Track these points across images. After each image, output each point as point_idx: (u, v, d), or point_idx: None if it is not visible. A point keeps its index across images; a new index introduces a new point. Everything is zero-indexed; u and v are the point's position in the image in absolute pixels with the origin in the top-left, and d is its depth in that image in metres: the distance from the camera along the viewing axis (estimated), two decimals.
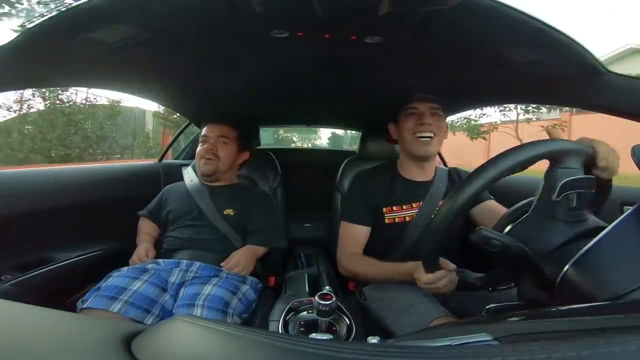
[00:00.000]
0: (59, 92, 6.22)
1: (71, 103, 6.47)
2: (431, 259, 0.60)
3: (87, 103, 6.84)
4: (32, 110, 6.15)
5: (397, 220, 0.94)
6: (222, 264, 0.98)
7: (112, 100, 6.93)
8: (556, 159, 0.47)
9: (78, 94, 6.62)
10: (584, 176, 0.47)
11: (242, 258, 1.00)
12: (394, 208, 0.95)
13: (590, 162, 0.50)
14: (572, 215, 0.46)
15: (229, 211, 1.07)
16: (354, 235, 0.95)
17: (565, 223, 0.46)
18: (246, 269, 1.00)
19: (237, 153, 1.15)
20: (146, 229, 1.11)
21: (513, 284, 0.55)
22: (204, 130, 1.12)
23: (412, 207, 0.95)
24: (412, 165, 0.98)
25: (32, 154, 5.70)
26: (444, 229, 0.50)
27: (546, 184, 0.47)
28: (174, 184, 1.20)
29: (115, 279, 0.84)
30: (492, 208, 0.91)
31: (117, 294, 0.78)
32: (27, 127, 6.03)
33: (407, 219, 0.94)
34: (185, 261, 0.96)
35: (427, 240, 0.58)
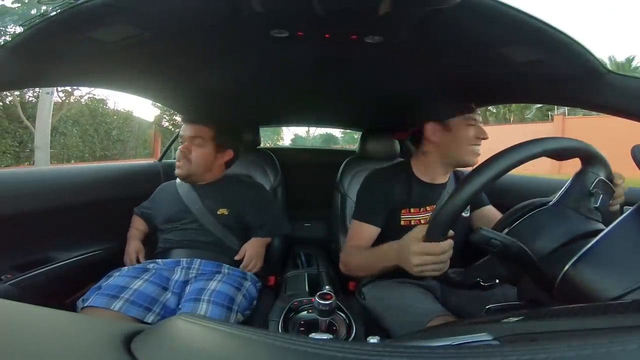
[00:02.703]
0: (103, 99, 9.15)
1: (108, 110, 9.27)
2: (442, 226, 0.52)
3: (114, 109, 9.63)
4: (74, 111, 8.41)
5: (412, 222, 0.92)
6: (240, 267, 1.00)
7: (127, 111, 10.01)
8: (590, 161, 0.51)
9: (108, 101, 9.47)
10: (610, 184, 0.50)
11: (254, 252, 1.02)
12: (412, 210, 0.91)
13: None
14: (593, 213, 0.48)
15: (222, 211, 1.03)
16: (360, 233, 0.90)
17: (585, 217, 0.48)
18: (260, 263, 1.02)
19: (215, 153, 1.05)
20: (137, 225, 1.12)
21: (497, 281, 0.54)
22: (181, 130, 1.07)
23: (427, 210, 0.92)
24: (440, 169, 0.94)
25: (85, 154, 8.23)
26: (468, 200, 0.48)
27: (577, 181, 0.50)
28: (166, 183, 1.18)
29: (116, 278, 0.84)
30: (490, 214, 0.92)
31: (118, 293, 0.78)
32: (75, 129, 8.19)
33: (422, 221, 0.92)
34: (185, 259, 0.96)
35: (445, 206, 0.50)
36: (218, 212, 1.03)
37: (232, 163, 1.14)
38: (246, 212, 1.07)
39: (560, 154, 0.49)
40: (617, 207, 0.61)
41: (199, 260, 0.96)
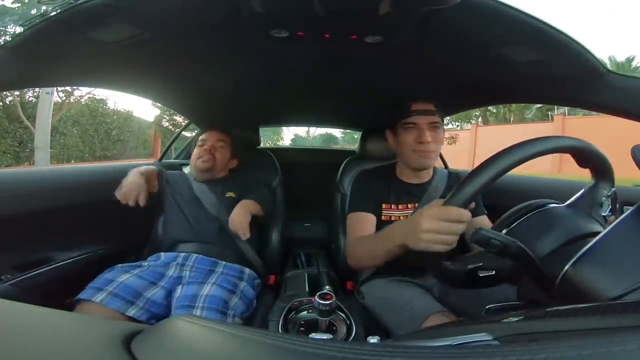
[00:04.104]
0: (103, 99, 9.16)
1: (108, 110, 9.27)
2: (466, 195, 0.47)
3: (114, 109, 9.63)
4: (74, 111, 8.39)
5: (392, 218, 0.96)
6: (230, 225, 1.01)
7: (127, 111, 10.07)
8: (604, 177, 0.52)
9: (108, 101, 9.51)
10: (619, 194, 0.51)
11: (234, 218, 1.02)
12: (392, 206, 0.96)
13: None
14: (601, 218, 0.50)
15: (230, 194, 1.14)
16: (360, 222, 0.93)
17: (594, 220, 0.49)
18: (243, 221, 1.00)
19: (230, 157, 1.24)
20: (151, 169, 1.11)
21: (494, 272, 0.53)
22: (203, 136, 1.23)
23: (407, 207, 0.96)
24: (409, 171, 0.99)
25: (85, 154, 8.20)
26: (491, 178, 0.46)
27: (591, 191, 0.52)
28: (177, 172, 1.25)
29: (108, 273, 0.86)
30: (485, 224, 0.91)
31: (103, 285, 0.80)
32: (75, 129, 8.14)
33: (402, 218, 0.95)
34: (182, 254, 0.98)
35: (472, 178, 0.47)
36: (226, 195, 1.13)
37: (234, 170, 1.29)
38: (247, 194, 1.14)
39: (586, 158, 0.51)
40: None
41: (194, 255, 0.98)
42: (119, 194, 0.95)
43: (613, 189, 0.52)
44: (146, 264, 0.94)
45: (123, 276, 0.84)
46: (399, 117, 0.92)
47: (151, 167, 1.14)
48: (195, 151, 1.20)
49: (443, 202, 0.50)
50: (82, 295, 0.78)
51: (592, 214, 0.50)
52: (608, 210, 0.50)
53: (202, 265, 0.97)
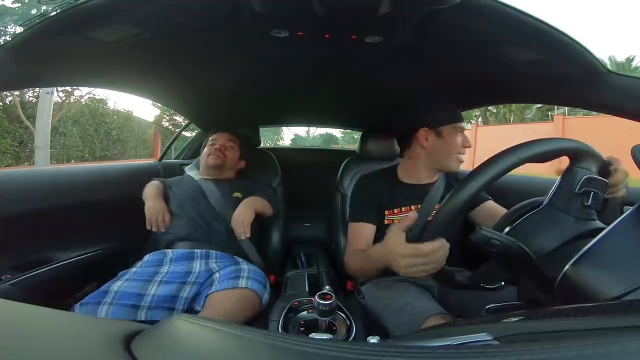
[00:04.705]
0: (103, 99, 9.25)
1: (108, 110, 9.30)
2: (438, 227, 0.51)
3: (114, 109, 9.63)
4: (74, 111, 8.41)
5: (395, 221, 0.95)
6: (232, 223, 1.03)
7: (127, 111, 10.13)
8: (577, 157, 0.49)
9: (108, 101, 9.56)
10: (600, 178, 0.48)
11: (237, 215, 1.04)
12: (395, 210, 0.96)
13: (602, 172, 0.51)
14: (584, 212, 0.47)
15: (237, 194, 1.16)
16: (358, 233, 0.95)
17: (576, 219, 0.47)
18: (246, 220, 1.03)
19: (239, 157, 1.27)
20: (156, 185, 1.16)
21: (503, 283, 0.54)
22: (213, 136, 1.27)
23: (410, 209, 0.96)
24: (426, 173, 0.98)
25: (85, 154, 8.34)
26: (463, 204, 0.48)
27: (565, 180, 0.49)
28: (177, 177, 1.26)
29: (126, 283, 0.83)
30: (492, 208, 0.93)
31: (137, 302, 0.78)
32: (75, 129, 8.19)
33: None
34: (199, 250, 0.99)
35: (440, 211, 0.50)
36: (233, 195, 1.15)
37: (243, 172, 1.32)
38: (254, 194, 1.17)
39: (543, 157, 0.47)
40: (622, 192, 0.57)
41: (214, 251, 1.00)
42: (148, 225, 1.05)
43: (590, 174, 0.47)
44: (164, 268, 0.94)
45: (149, 287, 0.83)
46: (450, 119, 0.92)
47: (158, 183, 1.18)
48: (206, 150, 1.23)
49: (410, 237, 0.56)
50: (113, 314, 0.74)
51: (571, 211, 0.47)
52: (591, 199, 0.46)
53: (225, 258, 1.00)
